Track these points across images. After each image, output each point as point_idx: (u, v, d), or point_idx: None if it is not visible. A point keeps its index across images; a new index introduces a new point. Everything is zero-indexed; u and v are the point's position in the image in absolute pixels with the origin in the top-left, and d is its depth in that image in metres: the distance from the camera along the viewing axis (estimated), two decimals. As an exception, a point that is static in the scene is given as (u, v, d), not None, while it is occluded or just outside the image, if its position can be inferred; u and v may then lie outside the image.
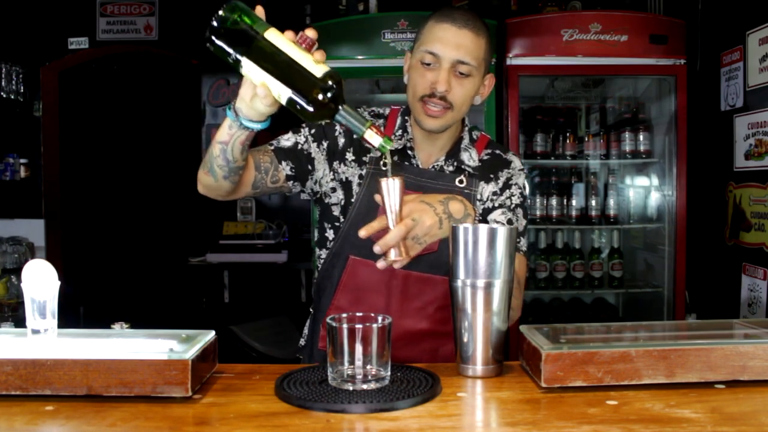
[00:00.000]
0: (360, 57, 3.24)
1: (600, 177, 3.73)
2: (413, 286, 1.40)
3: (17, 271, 3.65)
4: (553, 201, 3.50)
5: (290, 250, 3.90)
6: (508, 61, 3.24)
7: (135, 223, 5.24)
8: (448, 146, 1.47)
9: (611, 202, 3.51)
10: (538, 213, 3.52)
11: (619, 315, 3.78)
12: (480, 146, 1.51)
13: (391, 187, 1.11)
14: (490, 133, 3.27)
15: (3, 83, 3.98)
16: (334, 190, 1.47)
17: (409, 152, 1.45)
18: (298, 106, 1.04)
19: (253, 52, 1.04)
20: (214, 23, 1.06)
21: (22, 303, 1.03)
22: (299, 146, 1.44)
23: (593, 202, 3.51)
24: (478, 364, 1.07)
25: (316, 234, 1.55)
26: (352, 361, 0.97)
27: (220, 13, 1.06)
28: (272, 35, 1.04)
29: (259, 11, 1.08)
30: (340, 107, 1.05)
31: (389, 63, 3.16)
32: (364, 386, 0.97)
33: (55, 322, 1.02)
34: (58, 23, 4.19)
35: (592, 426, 0.85)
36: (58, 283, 1.02)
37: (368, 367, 0.98)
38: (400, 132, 1.46)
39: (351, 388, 0.97)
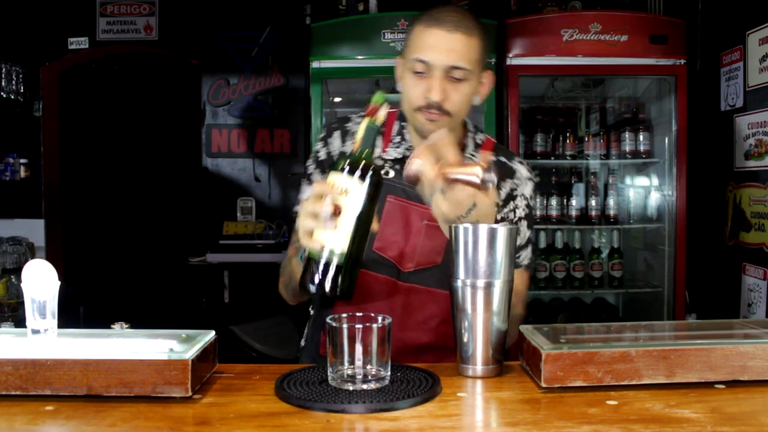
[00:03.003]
0: (360, 57, 3.24)
1: (600, 177, 3.73)
2: (416, 300, 1.36)
3: (17, 271, 3.65)
4: (553, 201, 3.50)
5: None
6: (508, 61, 3.24)
7: (135, 223, 5.23)
8: None
9: (611, 202, 3.51)
10: (538, 213, 3.52)
11: (619, 315, 3.78)
12: (485, 151, 1.43)
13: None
14: (489, 133, 3.27)
15: (3, 83, 3.98)
16: None
17: None
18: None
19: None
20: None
21: (22, 303, 1.03)
22: None
23: (593, 202, 3.51)
24: (478, 364, 1.07)
25: None
26: (352, 361, 0.97)
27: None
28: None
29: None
30: (373, 160, 1.09)
31: (389, 63, 3.10)
32: (364, 386, 0.97)
33: (55, 322, 1.02)
34: (58, 23, 4.19)
35: (592, 426, 0.85)
36: (58, 283, 1.02)
37: (368, 367, 0.98)
38: (398, 139, 1.40)
39: (351, 388, 0.97)
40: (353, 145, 1.11)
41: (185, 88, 4.63)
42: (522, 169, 1.44)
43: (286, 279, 1.40)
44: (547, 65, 3.25)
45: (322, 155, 1.43)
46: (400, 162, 1.37)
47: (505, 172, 1.41)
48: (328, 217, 1.04)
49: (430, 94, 1.26)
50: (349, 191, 1.05)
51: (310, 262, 1.07)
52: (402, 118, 1.42)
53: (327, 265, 1.05)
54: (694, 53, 3.41)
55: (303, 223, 1.08)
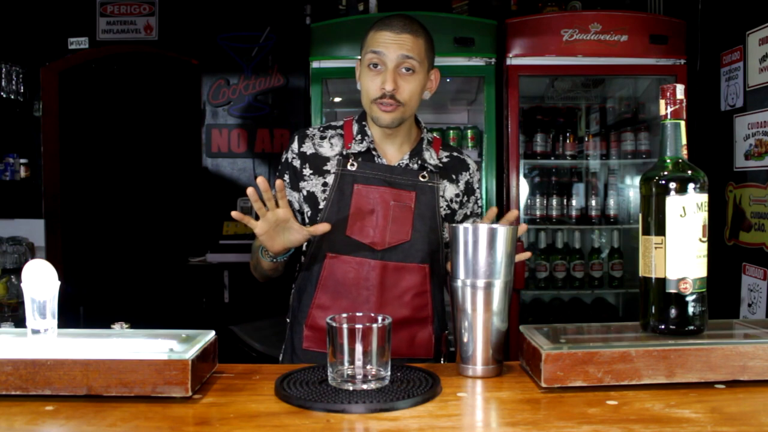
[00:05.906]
0: (360, 57, 3.23)
1: (600, 177, 3.73)
2: (390, 276, 1.49)
3: (17, 271, 3.64)
4: (553, 201, 3.50)
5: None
6: (508, 61, 3.24)
7: (135, 223, 5.24)
8: (407, 145, 1.58)
9: (611, 202, 3.51)
10: (538, 213, 3.52)
11: (619, 315, 3.77)
12: (436, 147, 1.62)
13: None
14: (489, 133, 3.29)
15: (3, 83, 3.98)
16: (301, 207, 1.59)
17: (373, 152, 1.56)
18: None
19: None
20: None
21: (22, 303, 1.03)
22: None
23: (593, 202, 3.50)
24: (478, 364, 1.07)
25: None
26: (352, 361, 0.97)
27: None
28: None
29: None
30: None
31: (389, 63, 3.15)
32: (364, 386, 0.97)
33: (55, 322, 1.02)
34: (58, 23, 4.19)
35: (592, 426, 0.85)
36: (58, 283, 1.02)
37: (368, 367, 0.98)
38: (360, 136, 1.56)
39: (351, 388, 0.97)
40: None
41: (185, 88, 4.63)
42: (470, 161, 1.66)
43: (254, 263, 1.63)
44: (547, 65, 3.25)
45: (289, 157, 1.60)
46: (363, 155, 1.55)
47: (461, 166, 1.63)
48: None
49: (384, 85, 1.44)
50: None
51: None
52: (361, 119, 1.59)
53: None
54: (694, 53, 3.40)
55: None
